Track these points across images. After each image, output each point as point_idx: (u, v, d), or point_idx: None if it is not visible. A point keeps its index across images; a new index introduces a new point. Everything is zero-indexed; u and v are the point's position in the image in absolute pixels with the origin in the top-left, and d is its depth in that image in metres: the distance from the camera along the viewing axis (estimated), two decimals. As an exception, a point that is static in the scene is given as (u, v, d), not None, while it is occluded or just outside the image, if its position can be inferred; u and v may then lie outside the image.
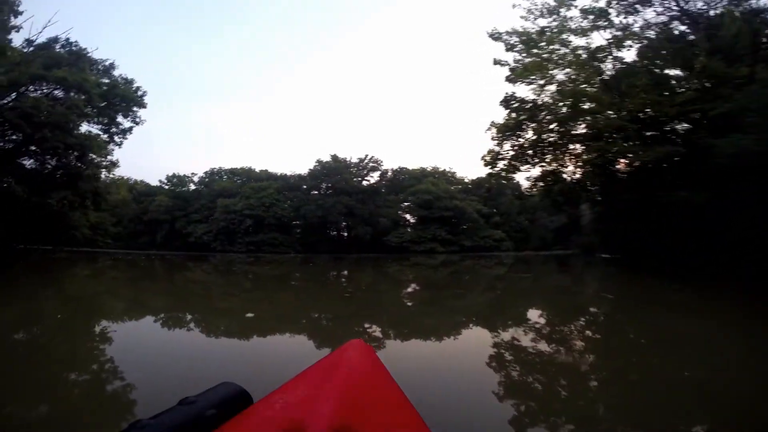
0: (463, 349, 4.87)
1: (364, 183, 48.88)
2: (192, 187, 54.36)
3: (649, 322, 6.43)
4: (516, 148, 24.91)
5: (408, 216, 48.49)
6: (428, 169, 50.46)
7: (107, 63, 29.11)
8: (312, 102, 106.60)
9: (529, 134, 24.30)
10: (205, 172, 54.51)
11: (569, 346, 5.03)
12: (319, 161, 48.91)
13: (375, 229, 45.24)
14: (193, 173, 55.03)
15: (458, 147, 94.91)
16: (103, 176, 33.32)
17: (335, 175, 47.07)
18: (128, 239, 50.64)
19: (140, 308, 7.96)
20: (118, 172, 67.09)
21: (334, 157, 49.16)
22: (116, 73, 29.81)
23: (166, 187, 53.70)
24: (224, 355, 4.23)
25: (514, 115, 24.04)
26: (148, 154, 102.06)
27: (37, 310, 6.92)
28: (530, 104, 23.50)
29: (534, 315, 7.67)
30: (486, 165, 26.01)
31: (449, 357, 4.44)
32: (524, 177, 30.14)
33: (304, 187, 48.66)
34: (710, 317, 7.03)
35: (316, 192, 48.55)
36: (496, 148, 25.16)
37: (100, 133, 29.73)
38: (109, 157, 31.78)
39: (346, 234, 48.74)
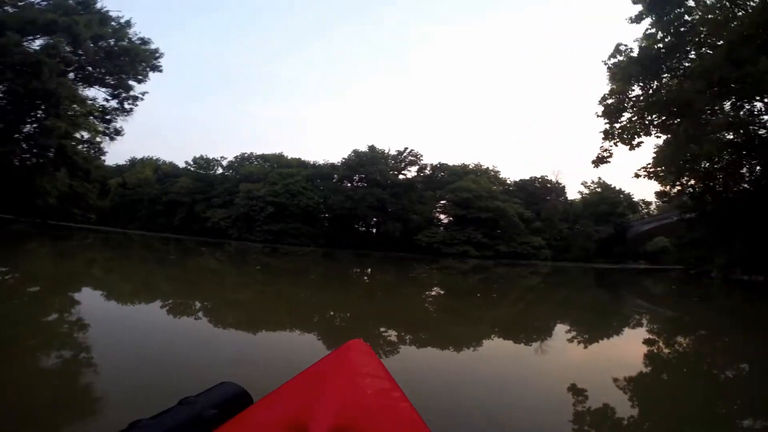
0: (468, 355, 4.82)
1: (401, 177, 45.54)
2: (219, 171, 52.30)
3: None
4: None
5: (442, 216, 44.84)
6: (470, 166, 46.77)
7: (122, 20, 26.63)
8: (358, 95, 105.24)
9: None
10: (235, 157, 52.38)
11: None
12: (355, 151, 45.76)
13: (406, 227, 41.68)
14: (222, 157, 52.90)
15: (503, 147, 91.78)
16: (99, 142, 29.28)
17: (370, 166, 43.83)
18: (146, 220, 49.08)
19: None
20: (149, 152, 67.12)
21: (371, 148, 46.01)
22: (132, 31, 27.43)
23: (192, 169, 51.70)
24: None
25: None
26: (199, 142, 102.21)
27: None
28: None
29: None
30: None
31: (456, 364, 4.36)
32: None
33: (336, 177, 45.47)
34: None
35: (348, 183, 45.49)
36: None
37: (108, 97, 27.21)
38: (113, 124, 28.91)
39: (374, 230, 45.43)
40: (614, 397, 3.37)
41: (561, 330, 7.26)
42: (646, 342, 6.42)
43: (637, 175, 25.80)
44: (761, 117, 20.47)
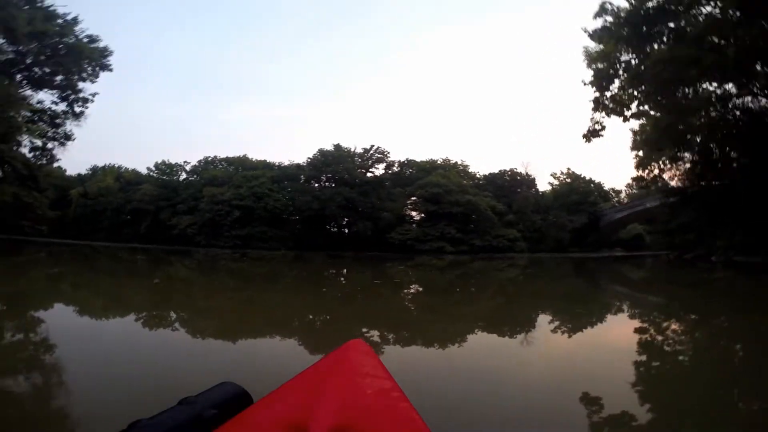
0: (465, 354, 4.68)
1: (369, 175, 44.64)
2: (184, 176, 50.55)
3: None
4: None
5: (414, 213, 44.07)
6: (438, 162, 46.06)
7: (69, 17, 25.14)
8: (321, 94, 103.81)
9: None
10: (199, 161, 50.60)
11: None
12: (320, 150, 44.73)
13: (377, 225, 40.81)
14: (185, 161, 51.10)
15: (471, 141, 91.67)
16: (51, 149, 27.85)
17: (336, 165, 42.80)
18: (111, 230, 47.24)
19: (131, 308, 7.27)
20: (110, 160, 64.80)
21: (337, 147, 45.01)
22: (79, 28, 25.96)
23: (154, 175, 49.89)
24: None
25: None
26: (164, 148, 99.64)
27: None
28: None
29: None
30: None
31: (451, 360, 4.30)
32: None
33: (302, 177, 44.32)
34: None
35: (315, 184, 44.35)
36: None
37: (57, 100, 25.68)
38: (61, 129, 27.51)
39: (346, 230, 44.43)
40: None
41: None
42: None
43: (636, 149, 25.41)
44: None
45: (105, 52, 28.32)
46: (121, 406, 2.52)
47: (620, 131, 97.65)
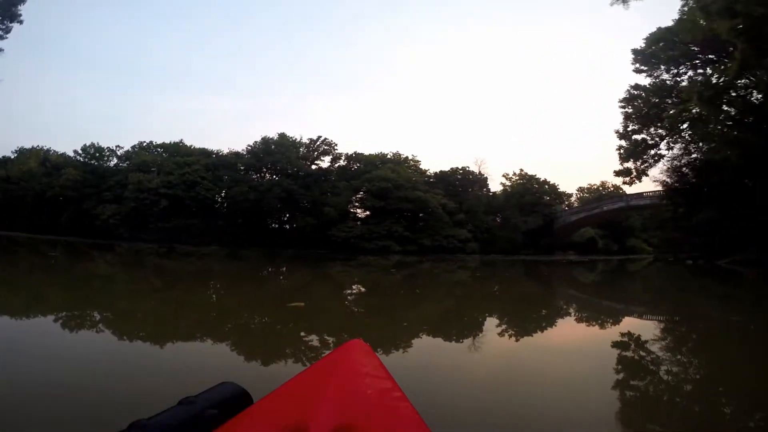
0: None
1: (314, 167, 41.90)
2: (115, 161, 46.54)
3: None
4: None
5: (359, 211, 41.45)
6: (388, 156, 43.65)
7: None
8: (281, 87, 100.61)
9: None
10: (133, 146, 46.67)
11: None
12: (263, 138, 41.68)
13: (319, 221, 38.06)
14: (118, 146, 47.09)
15: (424, 140, 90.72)
16: None
17: (279, 154, 39.86)
18: (31, 219, 43.05)
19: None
20: (39, 142, 59.66)
21: (282, 135, 42.20)
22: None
23: (81, 159, 45.66)
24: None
25: None
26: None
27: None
28: None
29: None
30: None
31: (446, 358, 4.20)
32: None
33: (241, 167, 41.04)
34: None
35: (256, 174, 41.25)
36: None
37: None
38: None
39: (285, 226, 41.51)
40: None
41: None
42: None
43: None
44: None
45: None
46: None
47: (576, 138, 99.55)
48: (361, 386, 0.98)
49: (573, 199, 54.20)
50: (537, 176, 46.91)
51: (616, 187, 53.54)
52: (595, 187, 55.61)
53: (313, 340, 4.77)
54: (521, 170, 48.04)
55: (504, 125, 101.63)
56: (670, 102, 28.19)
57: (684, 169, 28.52)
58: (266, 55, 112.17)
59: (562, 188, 50.58)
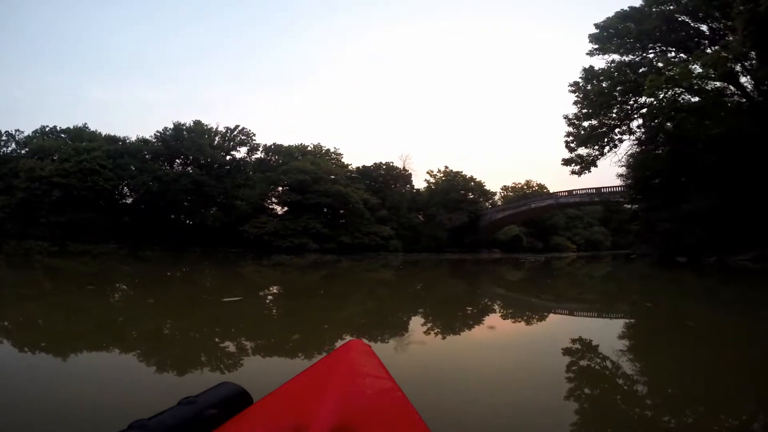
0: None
1: (228, 158, 39.84)
2: (13, 147, 42.62)
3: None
4: None
5: (277, 207, 39.80)
6: (309, 147, 42.12)
7: None
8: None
9: None
10: (34, 131, 42.86)
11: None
12: (175, 124, 38.94)
13: (228, 216, 36.16)
14: (18, 130, 43.10)
15: (348, 133, 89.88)
16: None
17: (190, 142, 37.33)
18: None
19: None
20: None
21: (197, 123, 39.70)
22: None
23: (-28, 145, 41.58)
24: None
25: None
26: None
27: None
28: None
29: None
30: None
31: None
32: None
33: (147, 155, 38.08)
34: None
35: (167, 164, 38.53)
36: None
37: None
38: None
39: (191, 221, 39.13)
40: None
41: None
42: None
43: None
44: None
45: None
46: None
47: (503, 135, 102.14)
48: (361, 386, 0.97)
49: (497, 197, 54.77)
50: (463, 173, 46.70)
51: (541, 186, 54.60)
52: (520, 185, 56.48)
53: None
54: (446, 167, 47.75)
55: (430, 121, 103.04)
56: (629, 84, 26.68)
57: (658, 151, 25.49)
58: (197, 47, 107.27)
59: (487, 186, 50.98)
